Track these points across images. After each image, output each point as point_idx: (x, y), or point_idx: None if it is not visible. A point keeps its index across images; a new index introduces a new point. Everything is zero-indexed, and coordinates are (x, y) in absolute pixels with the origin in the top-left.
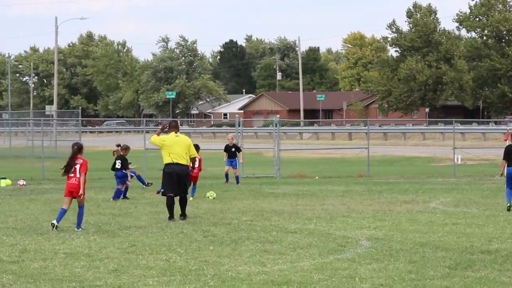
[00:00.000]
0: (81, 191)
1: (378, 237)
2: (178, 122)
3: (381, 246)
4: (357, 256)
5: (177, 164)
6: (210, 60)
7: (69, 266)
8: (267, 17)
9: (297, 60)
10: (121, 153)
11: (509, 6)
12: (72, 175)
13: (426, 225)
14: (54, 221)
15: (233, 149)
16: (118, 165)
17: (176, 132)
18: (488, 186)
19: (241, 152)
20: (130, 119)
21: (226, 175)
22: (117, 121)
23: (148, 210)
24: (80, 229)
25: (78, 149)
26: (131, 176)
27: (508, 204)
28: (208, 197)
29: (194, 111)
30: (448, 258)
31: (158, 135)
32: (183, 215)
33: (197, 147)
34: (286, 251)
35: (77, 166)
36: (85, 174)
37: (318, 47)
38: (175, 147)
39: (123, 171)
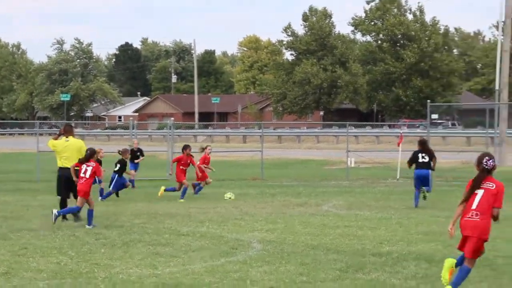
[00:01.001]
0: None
1: (270, 239)
2: (72, 126)
3: (272, 249)
4: (248, 258)
5: (66, 168)
6: (106, 62)
7: None
8: (163, 20)
9: (193, 63)
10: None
11: (404, 10)
12: (83, 175)
13: (318, 228)
14: (55, 211)
15: (137, 153)
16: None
17: (67, 137)
18: (381, 189)
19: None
20: (24, 121)
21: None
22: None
23: (40, 213)
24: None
25: (90, 154)
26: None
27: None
28: (228, 198)
29: (89, 114)
30: (339, 261)
31: (56, 139)
32: (76, 217)
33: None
34: (177, 253)
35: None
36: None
37: (214, 50)
38: (65, 152)
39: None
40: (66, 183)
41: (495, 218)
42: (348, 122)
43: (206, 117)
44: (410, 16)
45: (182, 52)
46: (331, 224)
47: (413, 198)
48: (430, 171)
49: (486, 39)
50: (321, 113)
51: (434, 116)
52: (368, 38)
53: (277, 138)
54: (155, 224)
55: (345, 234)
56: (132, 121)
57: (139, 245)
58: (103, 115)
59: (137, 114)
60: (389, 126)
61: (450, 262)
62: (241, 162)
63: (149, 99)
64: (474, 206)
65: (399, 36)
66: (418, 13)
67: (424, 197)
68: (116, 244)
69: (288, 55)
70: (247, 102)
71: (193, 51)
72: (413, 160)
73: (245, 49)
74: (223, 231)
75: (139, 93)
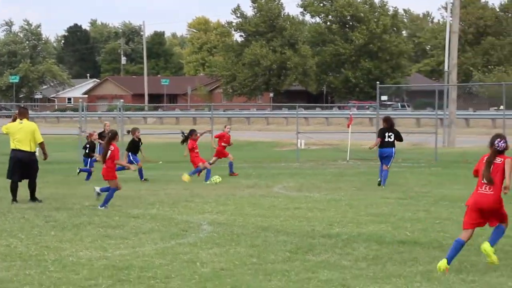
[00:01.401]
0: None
1: (220, 221)
2: (26, 109)
3: (223, 231)
4: (198, 240)
5: (19, 150)
6: (55, 44)
7: None
8: (112, 1)
9: (142, 44)
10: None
11: None
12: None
13: (269, 210)
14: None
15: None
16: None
17: (21, 119)
18: (331, 171)
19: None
20: None
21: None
22: None
23: None
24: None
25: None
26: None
27: (379, 180)
28: (214, 181)
29: (38, 96)
30: (289, 242)
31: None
32: (33, 198)
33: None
34: (128, 236)
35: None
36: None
37: (163, 32)
38: (18, 134)
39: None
40: (18, 165)
41: (506, 187)
42: (297, 104)
43: (156, 99)
44: None
45: (131, 33)
46: (281, 206)
47: (378, 174)
48: (394, 148)
49: (435, 20)
50: (271, 94)
51: (384, 97)
52: (318, 19)
53: (227, 120)
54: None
55: (295, 216)
56: (81, 103)
57: (89, 228)
58: (53, 97)
59: (86, 96)
60: (339, 107)
61: (487, 247)
62: None
63: (98, 81)
64: (485, 180)
65: (348, 18)
66: None
67: (379, 184)
68: (66, 227)
69: (238, 37)
70: (197, 84)
71: (142, 33)
72: (381, 137)
73: (195, 30)
74: (173, 213)
75: (88, 75)
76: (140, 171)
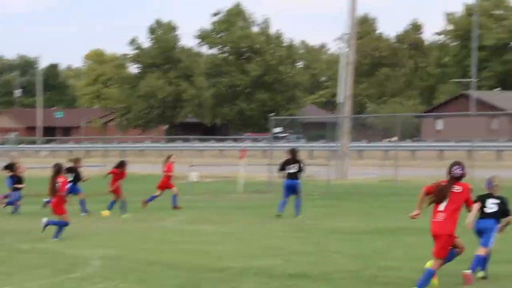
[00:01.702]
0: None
1: (110, 255)
2: None
3: (112, 265)
4: (87, 275)
5: None
6: None
7: None
8: (7, 32)
9: (37, 76)
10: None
11: (250, 23)
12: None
13: (158, 244)
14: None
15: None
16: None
17: None
18: (224, 203)
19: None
20: None
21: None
22: None
23: None
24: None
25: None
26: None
27: (277, 214)
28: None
29: None
30: (178, 277)
31: None
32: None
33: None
34: (16, 271)
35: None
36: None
37: (57, 64)
38: None
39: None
40: None
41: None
42: (192, 136)
43: (50, 132)
44: (256, 28)
45: (26, 65)
46: (172, 240)
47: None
48: (299, 181)
49: (331, 51)
50: (166, 127)
51: (278, 129)
52: (215, 50)
53: (119, 152)
54: None
55: (186, 250)
56: None
57: None
58: None
59: None
60: (234, 140)
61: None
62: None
63: None
64: (441, 208)
65: (244, 49)
66: (264, 26)
67: (277, 215)
68: None
69: (134, 69)
70: (92, 116)
71: (37, 66)
72: (282, 168)
73: (91, 61)
74: (64, 247)
75: None
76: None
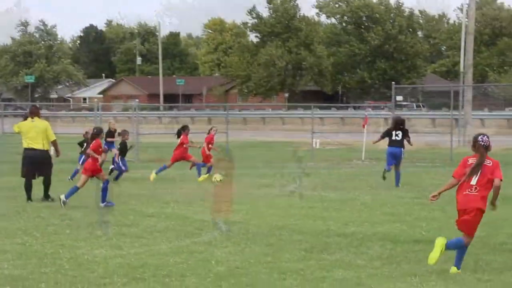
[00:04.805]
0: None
1: (236, 220)
2: (38, 107)
3: (238, 230)
4: (213, 239)
5: (32, 149)
6: (70, 45)
7: None
8: (128, 2)
9: (157, 45)
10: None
11: None
12: None
13: (283, 209)
14: (63, 196)
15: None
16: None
17: (33, 118)
18: (346, 170)
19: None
20: None
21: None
22: None
23: (5, 195)
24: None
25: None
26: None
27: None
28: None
29: (54, 96)
30: (304, 241)
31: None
32: (46, 196)
33: (185, 128)
34: (143, 234)
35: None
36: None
37: (179, 32)
38: (30, 132)
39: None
40: (31, 164)
41: (497, 188)
42: (313, 104)
43: (171, 99)
44: None
45: (147, 34)
46: (296, 205)
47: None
48: (402, 149)
49: (451, 21)
50: (286, 95)
51: (399, 98)
52: (333, 20)
53: (243, 120)
54: (120, 205)
55: (310, 215)
56: (97, 103)
57: (103, 226)
58: (68, 97)
59: (102, 96)
60: (354, 108)
61: (441, 241)
62: None
63: (114, 81)
64: (473, 182)
65: (364, 19)
66: None
67: (384, 178)
68: (81, 225)
69: (253, 37)
70: (212, 84)
71: (157, 33)
72: (386, 135)
73: (210, 31)
74: (188, 212)
75: (104, 75)
76: (118, 175)
